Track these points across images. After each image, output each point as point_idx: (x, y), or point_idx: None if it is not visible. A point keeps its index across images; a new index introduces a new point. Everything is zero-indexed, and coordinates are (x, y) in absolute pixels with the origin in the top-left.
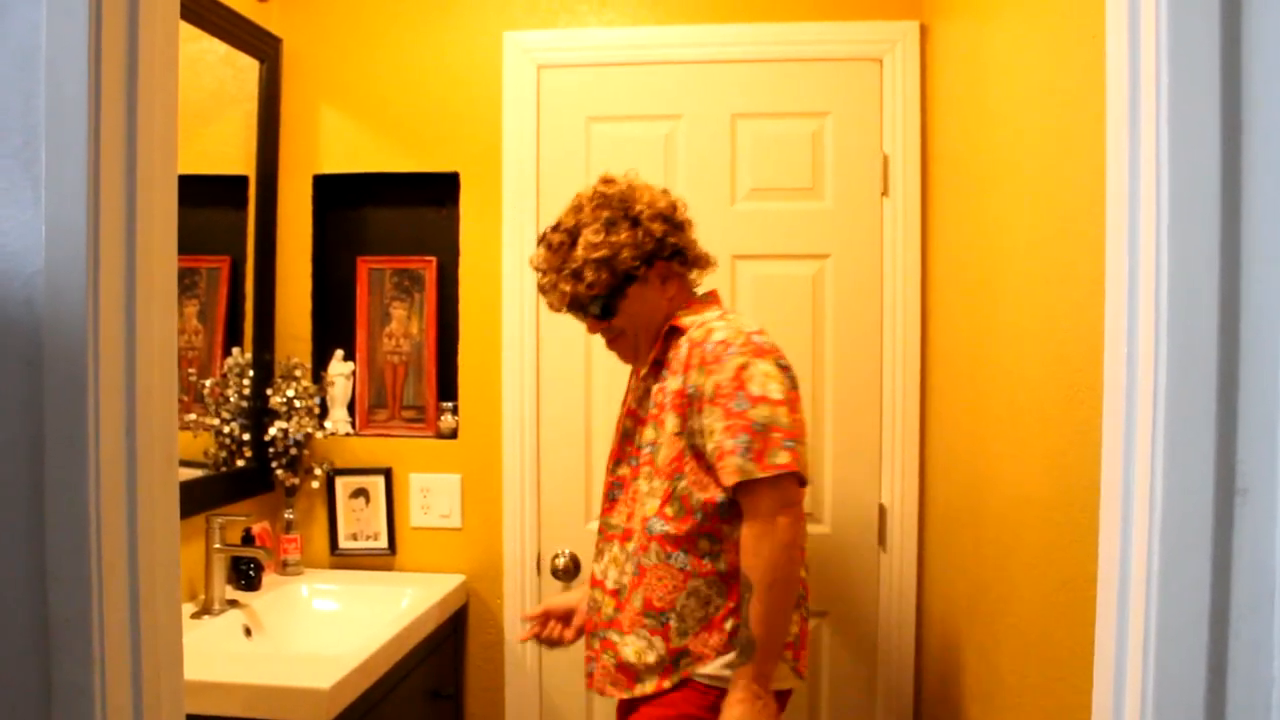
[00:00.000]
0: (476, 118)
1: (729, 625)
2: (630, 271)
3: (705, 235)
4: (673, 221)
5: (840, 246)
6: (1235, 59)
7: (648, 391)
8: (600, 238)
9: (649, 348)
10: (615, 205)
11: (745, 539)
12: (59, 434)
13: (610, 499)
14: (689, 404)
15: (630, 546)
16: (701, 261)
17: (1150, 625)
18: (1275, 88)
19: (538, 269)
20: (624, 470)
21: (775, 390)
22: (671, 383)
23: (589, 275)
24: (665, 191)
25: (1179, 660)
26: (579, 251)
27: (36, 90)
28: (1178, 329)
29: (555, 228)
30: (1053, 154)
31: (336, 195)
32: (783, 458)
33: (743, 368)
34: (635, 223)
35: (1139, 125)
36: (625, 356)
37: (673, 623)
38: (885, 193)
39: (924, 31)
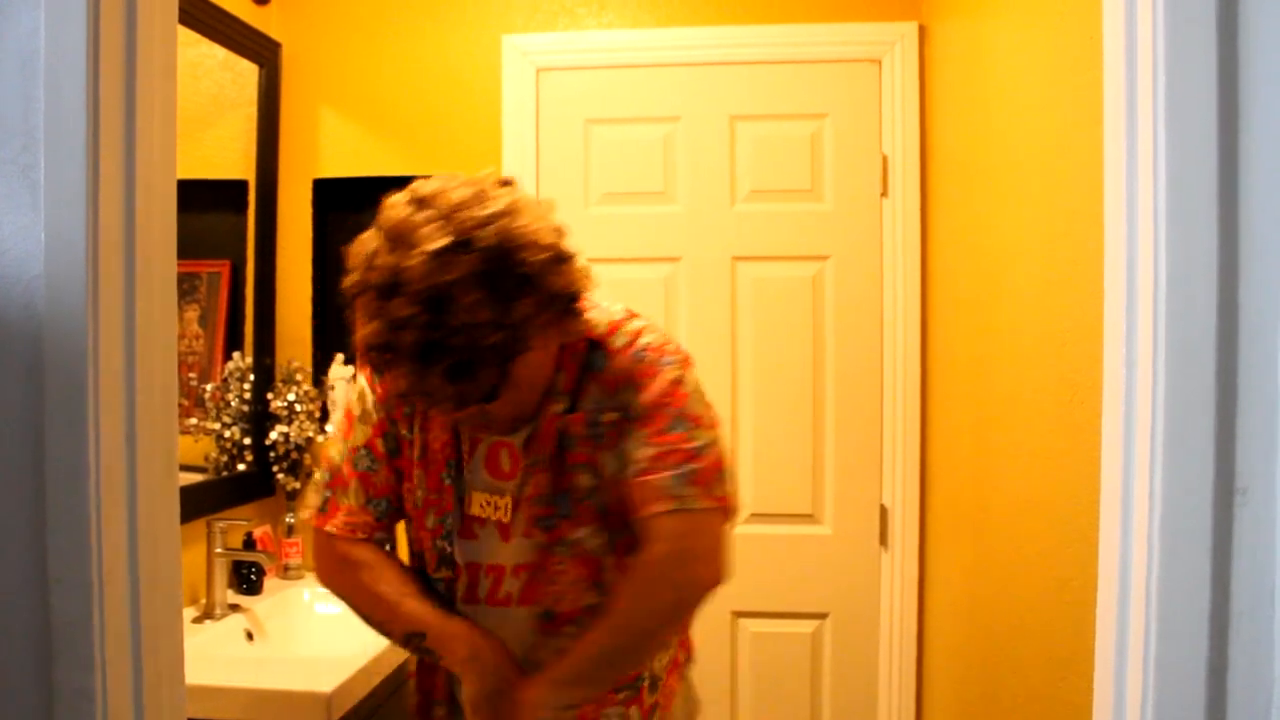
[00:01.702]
0: (476, 121)
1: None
2: (525, 348)
3: (704, 238)
4: (568, 255)
5: (840, 247)
6: (1232, 58)
7: (555, 432)
8: (490, 314)
9: (535, 398)
10: (496, 257)
11: (643, 566)
12: (59, 438)
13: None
14: (616, 429)
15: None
16: (588, 284)
17: (1150, 625)
18: (1272, 87)
19: (376, 353)
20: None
21: (709, 412)
22: (596, 410)
23: (482, 373)
24: (515, 193)
25: (1179, 660)
26: (458, 339)
27: (35, 95)
28: (1176, 328)
29: (390, 289)
30: (1052, 154)
31: (336, 199)
32: (722, 489)
33: (678, 381)
34: (534, 283)
35: (1136, 125)
36: (500, 428)
37: (646, 681)
38: (885, 193)
39: (923, 32)
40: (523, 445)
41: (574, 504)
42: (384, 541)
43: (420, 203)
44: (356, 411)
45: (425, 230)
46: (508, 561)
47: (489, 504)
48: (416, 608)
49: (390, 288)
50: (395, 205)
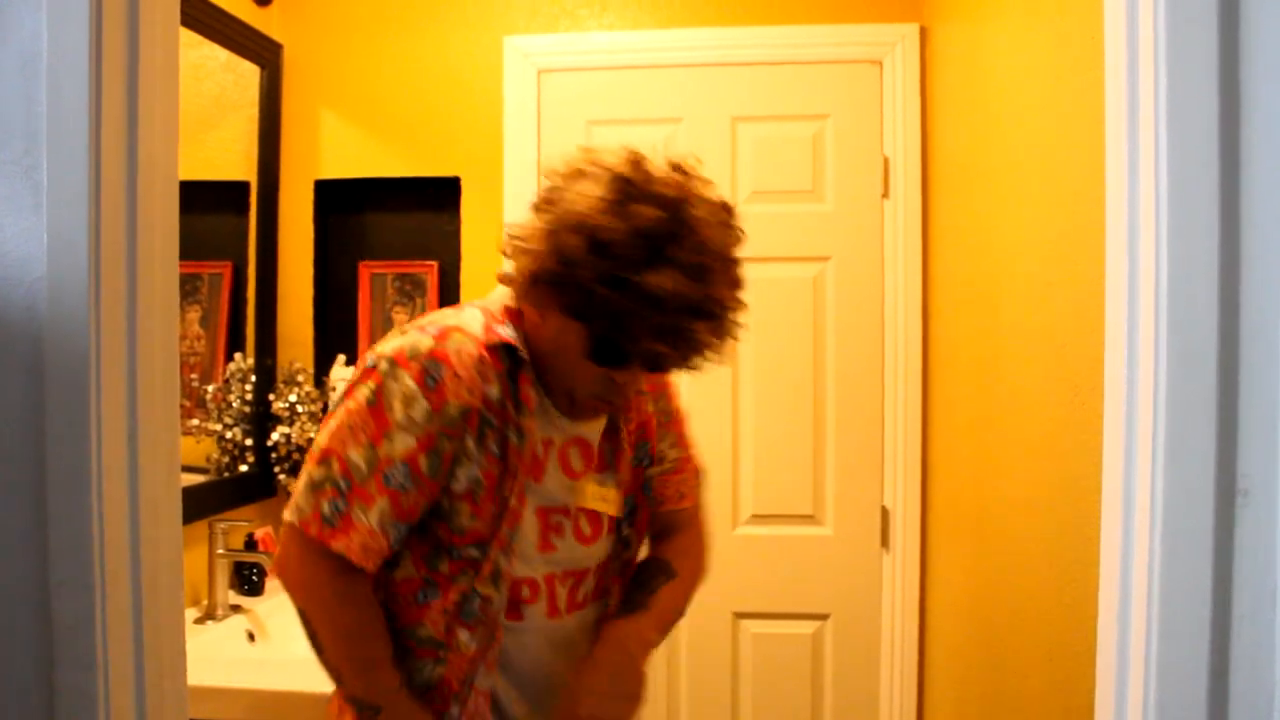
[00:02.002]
0: (477, 122)
1: None
2: None
3: None
4: None
5: (841, 249)
6: (1233, 58)
7: (656, 429)
8: (741, 284)
9: None
10: (741, 234)
11: (692, 542)
12: (61, 439)
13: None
14: (646, 432)
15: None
16: None
17: (1152, 626)
18: (1273, 87)
19: (667, 305)
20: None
21: None
22: (633, 413)
23: (727, 340)
24: None
25: (1181, 662)
26: (732, 300)
27: (38, 97)
28: (1178, 329)
29: (681, 241)
30: (1053, 155)
31: (338, 200)
32: None
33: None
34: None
35: (1137, 125)
36: (616, 409)
37: None
38: (886, 195)
39: (923, 34)
40: (599, 439)
41: (641, 498)
42: (383, 568)
43: (637, 164)
44: (397, 417)
45: (699, 189)
46: (592, 562)
47: (598, 496)
48: (388, 679)
49: (682, 240)
50: (616, 161)
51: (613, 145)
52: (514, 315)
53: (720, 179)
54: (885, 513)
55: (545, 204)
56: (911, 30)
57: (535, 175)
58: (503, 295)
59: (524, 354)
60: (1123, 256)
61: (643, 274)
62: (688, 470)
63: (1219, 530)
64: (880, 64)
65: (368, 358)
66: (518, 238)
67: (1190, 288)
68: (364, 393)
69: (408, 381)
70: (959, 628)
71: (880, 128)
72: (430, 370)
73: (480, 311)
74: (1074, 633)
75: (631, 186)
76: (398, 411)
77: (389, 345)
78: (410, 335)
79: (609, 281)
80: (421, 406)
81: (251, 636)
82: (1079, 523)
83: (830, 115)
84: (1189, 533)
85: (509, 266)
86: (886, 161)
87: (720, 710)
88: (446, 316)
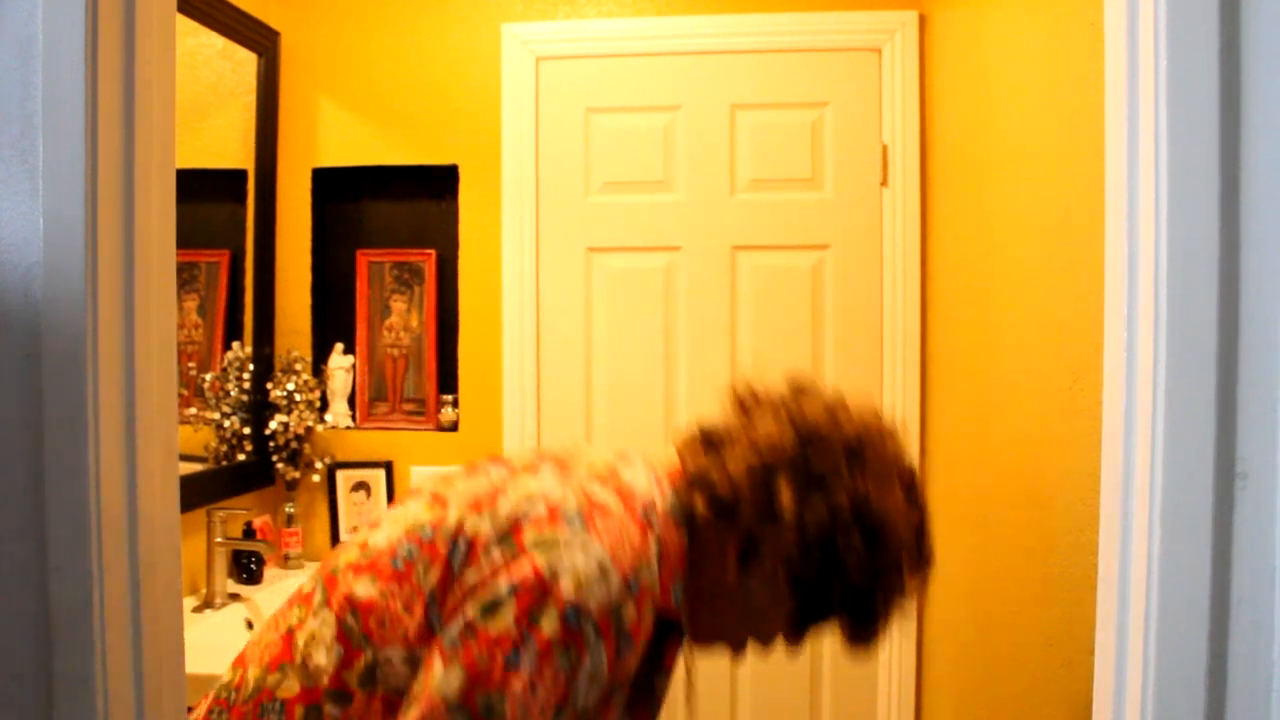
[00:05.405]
0: (475, 110)
1: None
2: None
3: (704, 227)
4: None
5: (840, 237)
6: (1234, 43)
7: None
8: None
9: None
10: None
11: None
12: (58, 426)
13: None
14: None
15: None
16: None
17: (1151, 611)
18: (1273, 70)
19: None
20: None
21: None
22: None
23: None
24: None
25: (1179, 646)
26: None
27: (34, 80)
28: (1177, 312)
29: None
30: (1053, 142)
31: (335, 189)
32: None
33: None
34: None
35: (1137, 111)
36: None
37: None
38: (885, 183)
39: (923, 21)
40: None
41: None
42: None
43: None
44: (579, 688)
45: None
46: None
47: None
48: None
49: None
50: (890, 451)
51: (857, 410)
52: (681, 551)
53: (719, 167)
54: None
55: (811, 475)
56: (911, 17)
57: (534, 163)
58: (668, 485)
59: (685, 626)
60: (1122, 240)
61: (908, 569)
62: None
63: (1218, 514)
64: (879, 51)
65: (561, 605)
66: (768, 510)
67: (1190, 271)
68: (560, 657)
69: (601, 653)
70: (957, 613)
71: (879, 115)
72: (623, 634)
73: (657, 539)
74: (1072, 618)
75: (910, 482)
76: (582, 685)
77: (591, 590)
78: (597, 566)
79: (874, 575)
80: (603, 675)
81: (250, 624)
82: (1077, 508)
83: (829, 103)
84: (1188, 516)
85: (712, 513)
86: (885, 149)
87: (720, 694)
88: (632, 533)
